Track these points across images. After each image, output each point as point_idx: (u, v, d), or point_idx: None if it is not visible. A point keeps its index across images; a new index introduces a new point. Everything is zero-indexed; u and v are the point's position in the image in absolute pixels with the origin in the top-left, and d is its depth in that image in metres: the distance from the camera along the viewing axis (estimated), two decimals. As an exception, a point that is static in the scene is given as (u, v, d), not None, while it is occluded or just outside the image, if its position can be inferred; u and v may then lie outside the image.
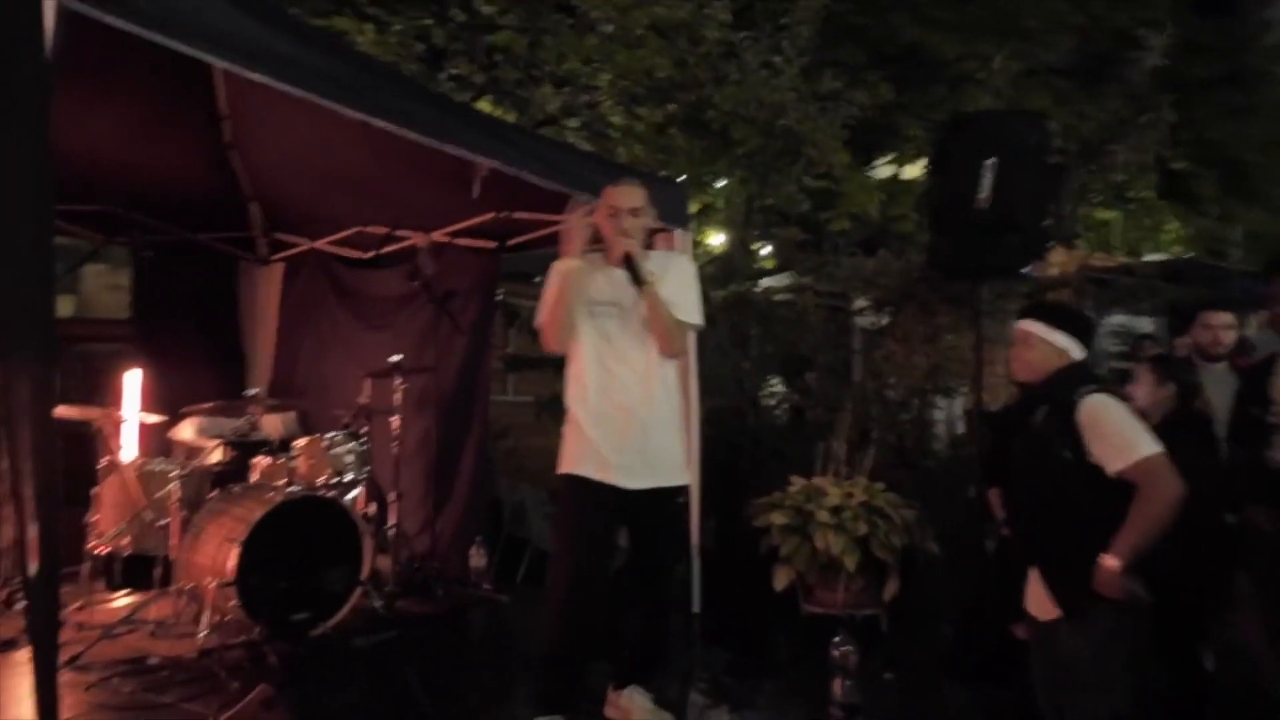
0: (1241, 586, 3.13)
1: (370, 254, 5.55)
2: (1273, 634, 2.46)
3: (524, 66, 6.48)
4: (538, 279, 3.43)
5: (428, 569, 4.91)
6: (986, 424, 4.34)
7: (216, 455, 4.70)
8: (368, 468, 4.71)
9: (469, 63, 6.81)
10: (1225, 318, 3.69)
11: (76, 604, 4.07)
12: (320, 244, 5.84)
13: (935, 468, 5.54)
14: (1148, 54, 6.12)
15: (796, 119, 5.75)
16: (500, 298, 5.48)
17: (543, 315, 3.14)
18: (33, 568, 1.88)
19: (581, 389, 3.13)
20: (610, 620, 3.21)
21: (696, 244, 5.51)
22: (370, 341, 5.50)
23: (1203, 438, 3.22)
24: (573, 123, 6.96)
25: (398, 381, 4.79)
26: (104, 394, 4.84)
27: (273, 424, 5.30)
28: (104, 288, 6.97)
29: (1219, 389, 3.44)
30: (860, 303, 6.25)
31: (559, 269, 3.10)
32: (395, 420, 4.78)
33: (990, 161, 3.79)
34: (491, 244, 5.24)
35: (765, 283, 6.82)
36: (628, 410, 3.07)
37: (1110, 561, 2.34)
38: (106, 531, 4.34)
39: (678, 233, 4.52)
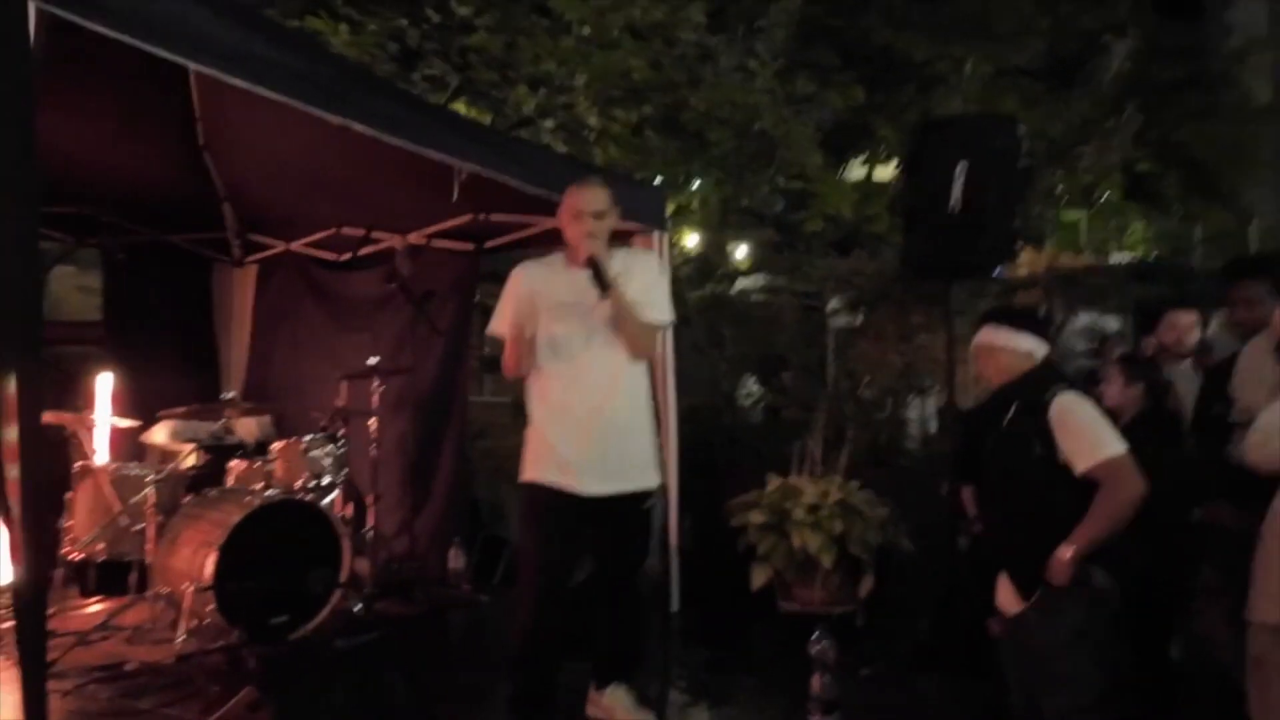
0: (1207, 579, 3.22)
1: (347, 256, 5.53)
2: (1235, 624, 2.54)
3: (499, 68, 6.48)
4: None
5: (406, 570, 4.91)
6: (959, 422, 4.42)
7: (191, 459, 4.68)
8: (345, 470, 4.71)
9: (443, 63, 6.79)
10: (1189, 317, 3.79)
11: (50, 610, 4.03)
12: (296, 245, 5.81)
13: (909, 466, 5.62)
14: (1113, 59, 6.25)
15: (771, 122, 5.80)
16: (478, 299, 5.48)
17: (505, 361, 3.09)
18: (18, 574, 1.88)
19: (543, 394, 3.09)
20: (584, 623, 3.19)
21: (673, 244, 5.54)
22: (347, 343, 5.48)
23: (1171, 435, 3.31)
24: (548, 124, 6.96)
25: (375, 383, 4.78)
26: (75, 397, 4.79)
27: (247, 427, 5.27)
28: (72, 289, 6.90)
29: (1184, 387, 3.54)
30: (834, 303, 6.33)
31: (509, 325, 3.05)
32: (373, 422, 4.77)
33: (962, 165, 3.86)
34: (469, 246, 5.24)
35: (741, 283, 6.88)
36: (590, 416, 3.01)
37: (1064, 551, 2.42)
38: (80, 537, 4.30)
39: (656, 235, 4.55)
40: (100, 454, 4.70)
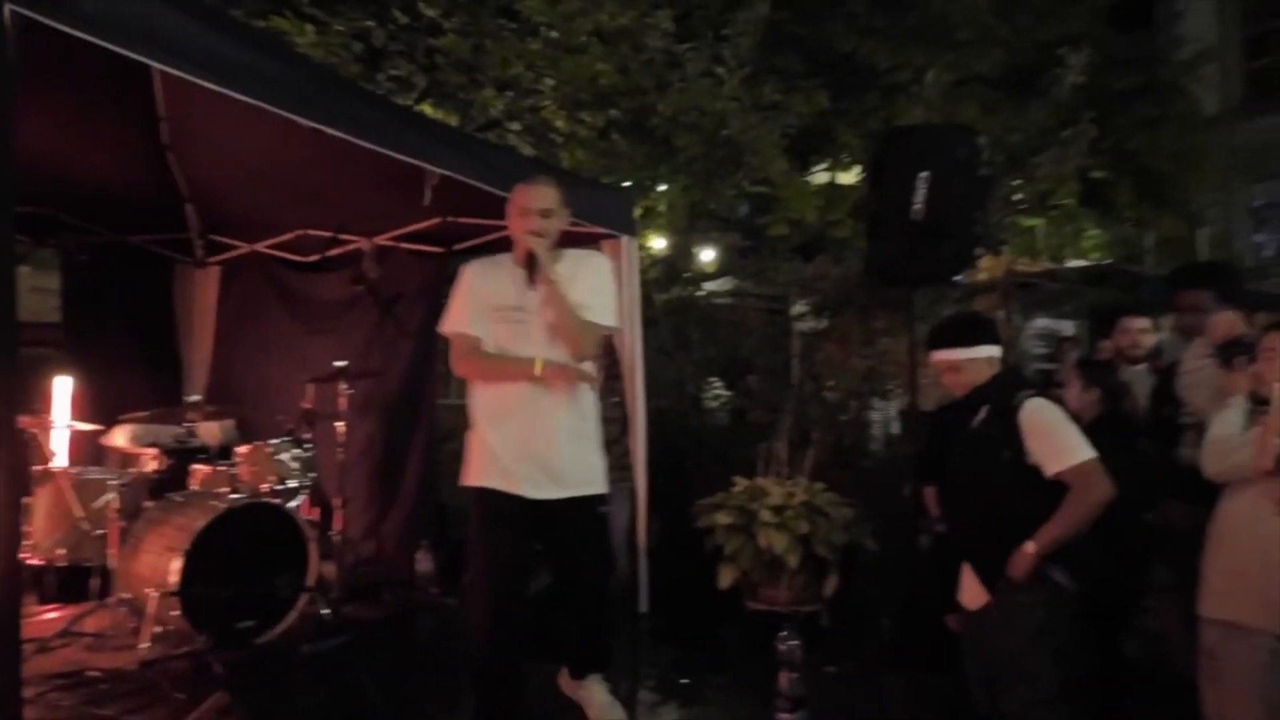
0: (1162, 577, 3.34)
1: (314, 257, 5.49)
2: (1187, 621, 2.64)
3: (467, 71, 6.48)
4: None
5: (374, 574, 4.89)
6: (921, 424, 4.52)
7: (153, 463, 4.62)
8: (312, 473, 4.68)
9: (409, 64, 6.77)
10: (1143, 322, 3.92)
11: (9, 617, 3.96)
12: (261, 246, 5.76)
13: (872, 467, 5.72)
14: (1069, 71, 6.42)
15: (738, 129, 5.87)
16: (447, 302, 5.47)
17: (454, 361, 3.06)
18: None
19: (485, 397, 3.03)
20: (553, 629, 3.19)
21: (640, 248, 5.58)
22: (313, 346, 5.45)
23: (1127, 437, 3.42)
24: (515, 126, 6.97)
25: (343, 386, 4.76)
26: (32, 400, 4.70)
27: (210, 431, 5.22)
28: (29, 290, 6.74)
29: (1139, 390, 3.66)
30: (799, 307, 6.41)
31: (459, 325, 3.03)
32: (340, 425, 4.75)
33: (924, 174, 3.94)
34: (438, 249, 5.24)
35: (708, 286, 6.95)
36: (530, 422, 2.95)
37: (1029, 547, 2.51)
38: (41, 542, 4.23)
39: (624, 240, 4.59)
40: (59, 457, 4.62)
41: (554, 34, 6.13)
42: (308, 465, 4.63)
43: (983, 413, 2.72)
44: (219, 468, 4.48)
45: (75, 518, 4.20)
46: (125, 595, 4.01)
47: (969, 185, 4.18)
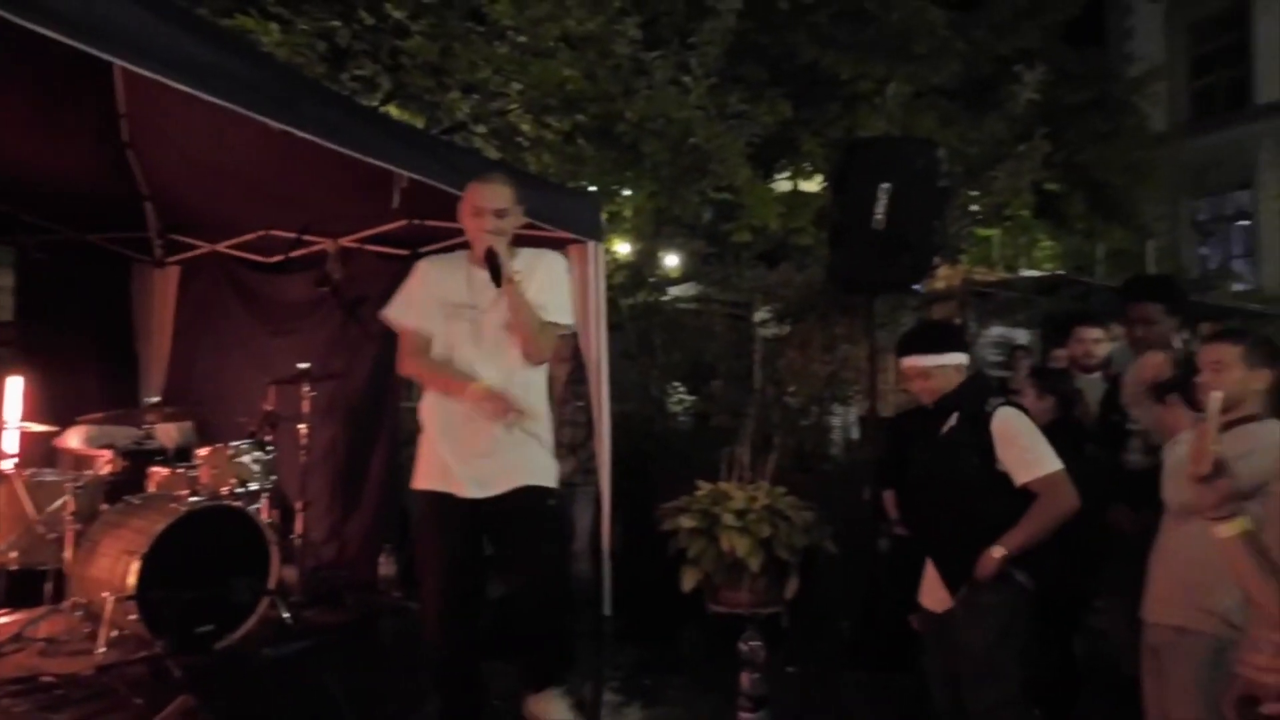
0: (1112, 579, 3.45)
1: (277, 258, 5.44)
2: (1133, 621, 2.73)
3: (433, 73, 6.46)
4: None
5: (335, 578, 4.86)
6: (881, 429, 4.61)
7: (108, 465, 4.55)
8: (274, 476, 4.64)
9: (373, 64, 6.74)
10: (1095, 332, 4.04)
11: (-43, 623, 3.89)
12: (222, 246, 5.69)
13: (833, 471, 5.81)
14: (1024, 88, 6.60)
15: (705, 137, 5.94)
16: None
17: (401, 357, 3.00)
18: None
19: (433, 398, 2.98)
20: (514, 630, 3.12)
21: (605, 253, 5.61)
22: (274, 348, 5.40)
23: (1076, 443, 3.53)
24: (481, 129, 6.97)
25: (305, 388, 4.73)
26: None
27: (168, 433, 5.16)
28: (-21, 288, 6.58)
29: (1093, 397, 3.77)
30: (762, 313, 6.50)
31: (407, 320, 2.98)
32: (303, 427, 4.71)
33: (885, 185, 4.04)
34: (404, 251, 5.22)
35: (672, 291, 7.01)
36: (476, 422, 2.86)
37: (996, 550, 2.60)
38: (-8, 545, 4.14)
39: (591, 245, 4.62)
40: (9, 459, 4.54)
41: (522, 38, 6.14)
42: (269, 468, 4.59)
43: (953, 419, 2.80)
44: (178, 470, 4.42)
45: (29, 520, 4.12)
46: (80, 599, 3.95)
47: (928, 196, 4.28)
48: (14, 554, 4.16)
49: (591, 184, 6.56)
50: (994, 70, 9.40)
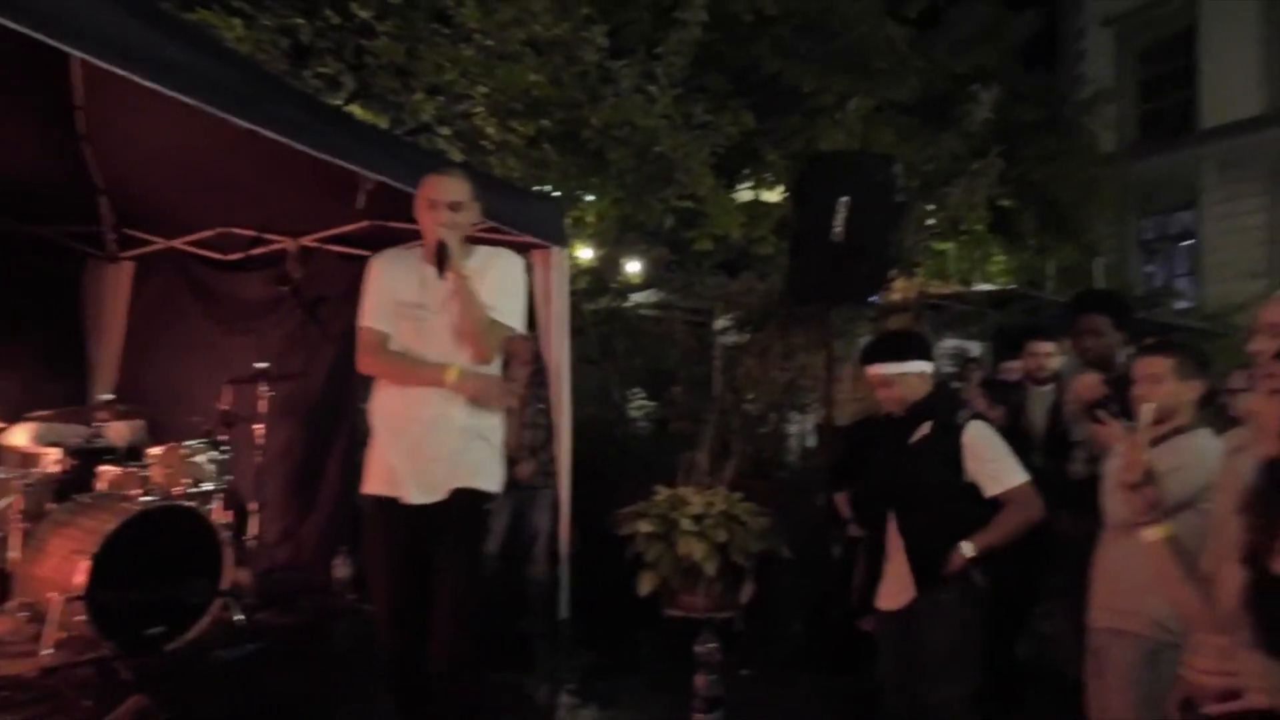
0: (1058, 584, 3.56)
1: (236, 256, 5.38)
2: (1077, 625, 2.83)
3: (399, 74, 6.45)
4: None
5: (290, 579, 4.81)
6: (838, 436, 4.70)
7: (55, 464, 4.46)
8: (228, 476, 4.58)
9: (337, 62, 6.69)
10: (1048, 346, 4.17)
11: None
12: (178, 243, 5.60)
13: (789, 478, 5.90)
14: (980, 107, 6.78)
15: (669, 145, 6.01)
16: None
17: (360, 357, 2.91)
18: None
19: (381, 400, 2.89)
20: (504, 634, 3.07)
21: (568, 257, 5.64)
22: (231, 346, 5.33)
23: (1023, 452, 3.64)
24: (445, 131, 6.96)
25: (262, 388, 4.68)
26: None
27: (118, 431, 5.06)
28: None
29: (1045, 409, 3.89)
30: (722, 321, 6.57)
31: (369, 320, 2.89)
32: (259, 428, 4.66)
33: (844, 199, 4.13)
34: (365, 252, 5.19)
35: (635, 298, 7.05)
36: (424, 423, 2.78)
37: (966, 548, 2.72)
38: (-67, 544, 4.03)
39: (554, 250, 4.65)
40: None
41: (489, 42, 6.15)
42: (224, 468, 4.54)
43: (925, 428, 2.87)
44: (129, 469, 4.35)
45: (-26, 519, 4.02)
46: (26, 599, 3.87)
47: (885, 209, 4.39)
48: (-44, 553, 4.05)
49: (555, 189, 6.58)
50: (951, 88, 9.63)
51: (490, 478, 2.93)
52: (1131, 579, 2.33)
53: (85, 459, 4.58)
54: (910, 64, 9.36)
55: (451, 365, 2.79)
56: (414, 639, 2.85)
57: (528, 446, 4.82)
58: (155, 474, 4.31)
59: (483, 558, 3.06)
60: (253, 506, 4.70)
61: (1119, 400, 2.54)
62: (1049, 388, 4.02)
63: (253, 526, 4.67)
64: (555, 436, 4.82)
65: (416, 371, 2.83)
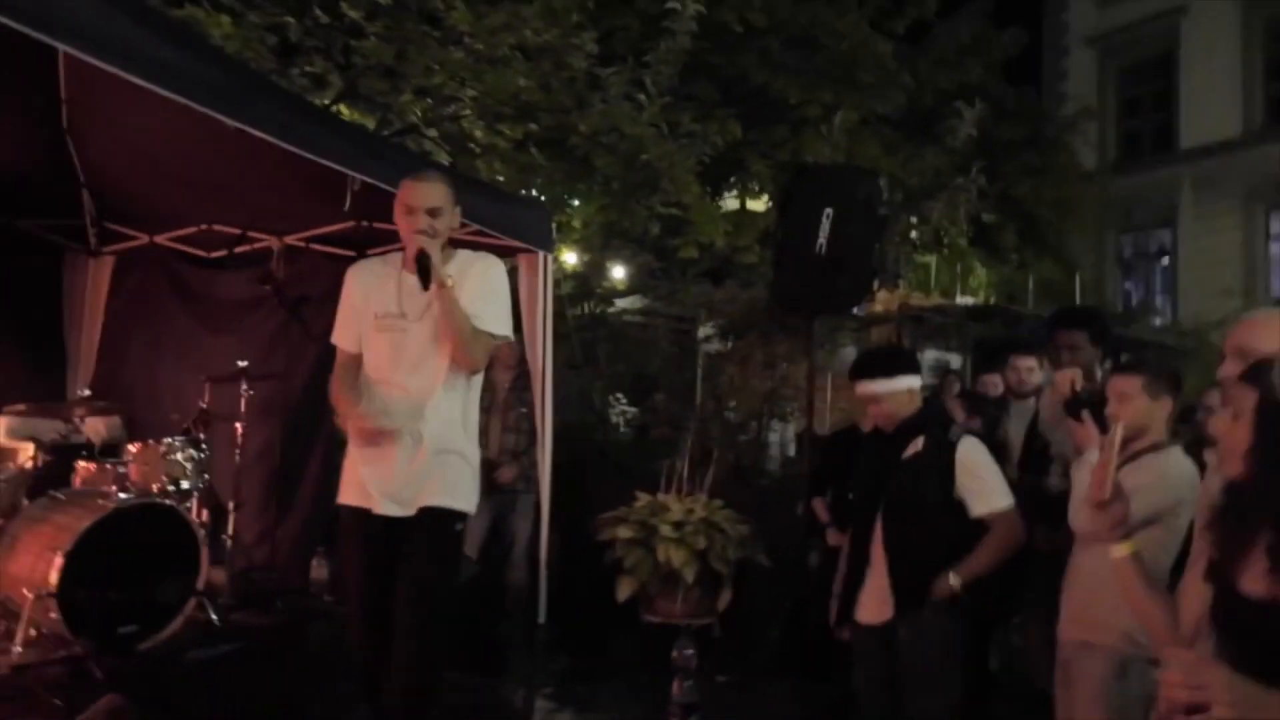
0: (1032, 596, 3.60)
1: (219, 253, 5.34)
2: (1047, 638, 2.86)
3: (387, 75, 6.44)
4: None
5: (266, 580, 4.78)
6: (819, 445, 4.73)
7: (29, 459, 4.42)
8: (206, 475, 4.55)
9: (324, 61, 6.68)
10: (1030, 361, 4.23)
11: None
12: (160, 239, 5.56)
13: (769, 486, 5.93)
14: (964, 124, 6.86)
15: (656, 153, 6.04)
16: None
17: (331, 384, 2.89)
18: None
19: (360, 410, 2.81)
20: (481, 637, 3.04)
21: (554, 262, 5.66)
22: (211, 345, 5.29)
23: (998, 464, 3.69)
24: (432, 133, 6.96)
25: (243, 387, 4.65)
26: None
27: (95, 427, 5.02)
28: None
29: (1024, 422, 3.94)
30: (706, 329, 6.61)
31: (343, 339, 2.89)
32: (238, 426, 4.64)
33: (828, 211, 4.17)
34: (350, 252, 5.18)
35: (619, 304, 7.08)
36: (397, 433, 2.73)
37: (954, 579, 2.74)
38: (-97, 539, 3.98)
39: (541, 255, 4.66)
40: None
41: (478, 46, 6.16)
42: (202, 466, 4.50)
43: (918, 444, 2.88)
44: (106, 466, 4.31)
45: (-55, 514, 3.98)
46: (-3, 596, 3.82)
47: (869, 222, 4.44)
48: (-73, 548, 4.00)
49: (542, 194, 6.60)
50: (936, 103, 9.74)
51: (463, 496, 2.84)
52: (1101, 592, 2.37)
53: (61, 455, 4.53)
54: (896, 79, 9.46)
55: (360, 408, 2.73)
56: (384, 650, 2.80)
57: (509, 451, 4.83)
58: (132, 471, 4.27)
59: (451, 578, 2.99)
60: (231, 506, 4.66)
61: (1095, 412, 2.58)
62: (1030, 401, 4.07)
63: (230, 526, 4.64)
64: (537, 441, 4.83)
65: (338, 405, 2.82)
